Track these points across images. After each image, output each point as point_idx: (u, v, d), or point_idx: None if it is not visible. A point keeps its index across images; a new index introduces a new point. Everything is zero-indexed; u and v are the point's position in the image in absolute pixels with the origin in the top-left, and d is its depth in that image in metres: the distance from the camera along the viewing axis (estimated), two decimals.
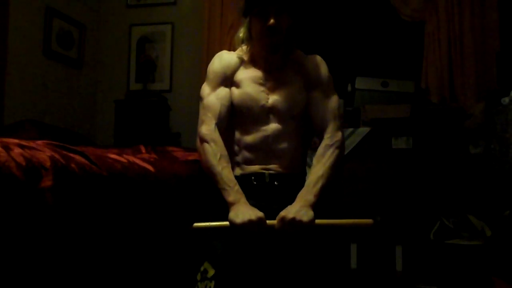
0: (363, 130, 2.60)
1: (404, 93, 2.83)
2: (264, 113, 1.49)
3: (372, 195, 2.52)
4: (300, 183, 1.39)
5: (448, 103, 2.83)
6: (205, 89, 1.53)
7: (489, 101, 2.57)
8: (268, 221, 1.26)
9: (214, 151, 1.39)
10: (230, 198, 1.31)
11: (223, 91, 1.50)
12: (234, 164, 1.48)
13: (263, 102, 1.49)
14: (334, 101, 1.53)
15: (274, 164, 1.47)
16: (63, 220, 1.11)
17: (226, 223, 1.26)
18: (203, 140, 1.42)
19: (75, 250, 1.16)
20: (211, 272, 1.22)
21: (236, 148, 1.51)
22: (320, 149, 1.45)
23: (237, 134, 1.51)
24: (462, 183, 2.43)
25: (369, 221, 1.32)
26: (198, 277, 1.24)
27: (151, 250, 1.48)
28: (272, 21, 1.42)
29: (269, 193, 1.42)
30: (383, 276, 2.40)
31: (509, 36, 2.80)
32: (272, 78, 1.53)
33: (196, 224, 1.31)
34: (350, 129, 2.61)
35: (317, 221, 1.28)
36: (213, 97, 1.49)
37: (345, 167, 2.57)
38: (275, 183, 1.45)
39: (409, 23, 3.06)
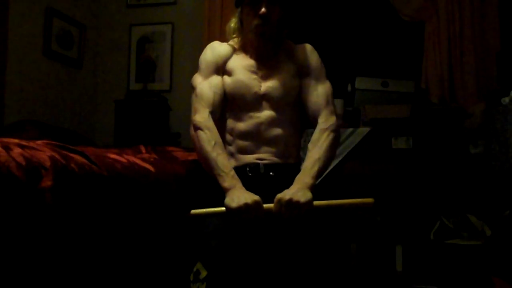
0: (363, 130, 2.60)
1: (404, 93, 2.83)
2: (257, 101, 1.50)
3: (372, 195, 2.52)
4: (296, 174, 1.38)
5: (448, 103, 2.83)
6: (197, 78, 1.53)
7: (489, 101, 2.57)
8: (265, 205, 1.25)
9: (209, 138, 1.38)
10: (226, 183, 1.30)
11: (215, 79, 1.51)
12: (228, 155, 1.47)
13: (255, 89, 1.50)
14: (326, 87, 1.54)
15: (267, 152, 1.47)
16: (63, 220, 1.11)
17: (223, 208, 1.25)
18: (197, 128, 1.41)
19: (74, 249, 1.16)
20: (204, 273, 1.21)
21: (229, 137, 1.51)
22: (315, 134, 1.44)
23: (230, 123, 1.51)
24: (462, 183, 2.43)
25: (370, 200, 1.27)
26: (191, 277, 1.24)
27: (149, 249, 1.48)
28: (263, 9, 1.44)
29: (265, 184, 1.41)
30: (383, 276, 2.39)
31: (509, 36, 2.80)
32: (264, 66, 1.55)
33: (193, 211, 1.29)
34: (350, 129, 2.60)
35: (315, 202, 1.25)
36: (206, 85, 1.49)
37: (345, 167, 2.57)
38: (271, 173, 1.44)
39: (409, 23, 3.06)
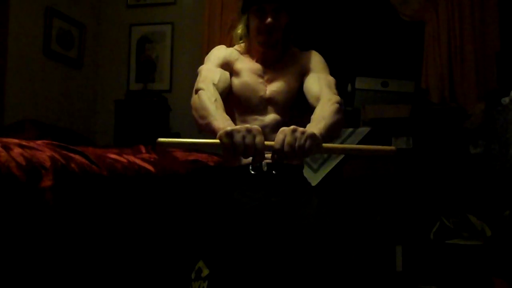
0: (363, 130, 2.60)
1: (404, 93, 2.83)
2: (262, 104, 1.50)
3: (372, 195, 2.52)
4: (299, 175, 1.35)
5: (448, 103, 2.83)
6: (204, 65, 1.51)
7: (489, 101, 2.57)
8: (266, 142, 1.11)
9: (209, 96, 1.32)
10: (221, 124, 1.20)
11: (223, 71, 1.49)
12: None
13: (261, 93, 1.51)
14: (330, 78, 1.50)
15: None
16: (63, 220, 1.11)
17: (216, 140, 1.11)
18: (199, 90, 1.36)
19: (75, 249, 1.16)
20: (205, 272, 1.21)
21: None
22: (317, 107, 1.36)
23: (235, 124, 1.50)
24: (462, 183, 2.43)
25: (392, 148, 1.12)
26: (193, 276, 1.23)
27: (149, 248, 1.48)
28: (269, 20, 1.44)
29: (267, 183, 1.38)
30: (383, 276, 2.39)
31: (509, 36, 2.80)
32: (270, 71, 1.55)
33: (160, 139, 1.09)
34: (350, 129, 2.61)
35: (326, 145, 1.10)
36: (214, 68, 1.47)
37: (345, 167, 2.57)
38: (273, 172, 1.44)
39: (409, 23, 3.06)
